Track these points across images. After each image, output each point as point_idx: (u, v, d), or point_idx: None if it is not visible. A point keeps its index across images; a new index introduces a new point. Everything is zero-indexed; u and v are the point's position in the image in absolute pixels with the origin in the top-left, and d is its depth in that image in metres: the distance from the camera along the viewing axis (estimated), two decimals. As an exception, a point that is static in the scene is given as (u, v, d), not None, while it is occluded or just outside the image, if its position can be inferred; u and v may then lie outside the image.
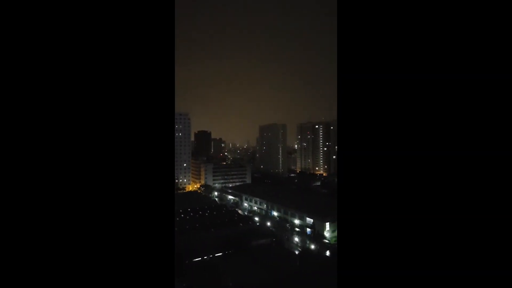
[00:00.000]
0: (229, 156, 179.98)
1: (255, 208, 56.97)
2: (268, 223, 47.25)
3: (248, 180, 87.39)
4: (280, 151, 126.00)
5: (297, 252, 35.40)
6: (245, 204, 60.05)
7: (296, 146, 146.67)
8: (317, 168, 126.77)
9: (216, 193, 71.91)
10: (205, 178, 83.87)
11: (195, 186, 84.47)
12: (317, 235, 41.41)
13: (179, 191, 77.00)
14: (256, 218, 49.93)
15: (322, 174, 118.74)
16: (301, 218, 45.75)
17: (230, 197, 66.16)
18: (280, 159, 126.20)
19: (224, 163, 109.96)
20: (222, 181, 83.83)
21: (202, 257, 29.52)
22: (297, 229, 45.08)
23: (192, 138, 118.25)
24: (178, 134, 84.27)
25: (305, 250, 37.45)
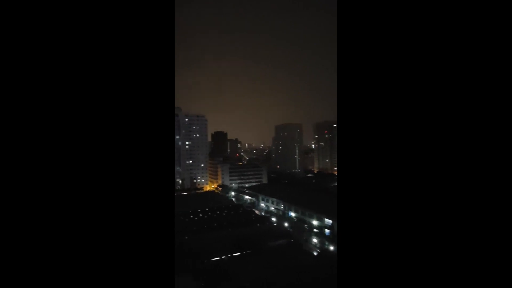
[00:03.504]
0: (245, 156, 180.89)
1: (272, 208, 56.63)
2: (286, 224, 46.76)
3: (265, 180, 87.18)
4: (297, 150, 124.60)
5: (315, 253, 34.69)
6: (262, 204, 59.88)
7: (313, 145, 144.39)
8: (335, 168, 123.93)
9: (233, 193, 72.39)
10: (222, 178, 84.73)
11: (213, 186, 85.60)
12: (336, 236, 40.36)
13: (197, 191, 78.45)
14: (273, 219, 49.59)
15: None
16: (319, 219, 44.82)
17: (246, 197, 66.31)
18: (297, 159, 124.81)
19: (240, 163, 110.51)
20: (238, 181, 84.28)
21: (220, 257, 29.72)
22: (315, 230, 44.21)
23: (209, 139, 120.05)
24: (196, 135, 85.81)
25: (323, 251, 36.60)
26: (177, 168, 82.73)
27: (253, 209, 55.14)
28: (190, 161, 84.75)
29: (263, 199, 60.34)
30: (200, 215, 45.47)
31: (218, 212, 47.15)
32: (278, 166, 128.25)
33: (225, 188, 77.89)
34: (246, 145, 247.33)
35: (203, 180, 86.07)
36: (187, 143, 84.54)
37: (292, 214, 51.14)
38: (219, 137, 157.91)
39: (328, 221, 42.94)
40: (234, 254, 30.41)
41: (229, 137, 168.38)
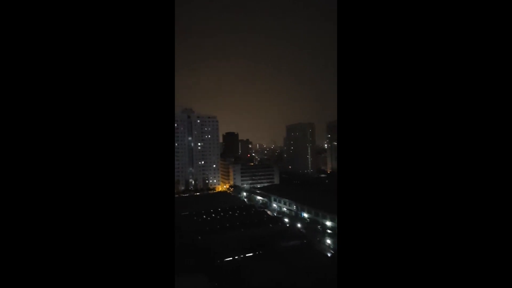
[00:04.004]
0: (256, 157, 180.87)
1: (284, 209, 56.25)
2: (298, 225, 46.29)
3: (276, 181, 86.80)
4: (309, 151, 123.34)
5: (329, 255, 34.10)
6: (274, 205, 59.61)
7: (326, 145, 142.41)
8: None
9: (244, 194, 72.52)
10: (234, 178, 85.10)
11: (225, 186, 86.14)
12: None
13: (209, 191, 79.21)
14: (286, 219, 49.22)
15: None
16: (333, 220, 44.04)
17: (258, 197, 66.24)
18: (309, 159, 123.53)
19: (252, 163, 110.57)
20: (250, 181, 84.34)
21: (233, 257, 29.77)
22: (329, 231, 43.48)
23: (221, 140, 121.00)
24: (207, 136, 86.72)
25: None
26: (189, 169, 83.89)
27: (265, 210, 54.96)
28: (202, 162, 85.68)
29: (275, 200, 60.05)
30: (213, 215, 45.82)
31: (230, 212, 47.33)
32: (289, 167, 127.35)
33: (237, 189, 78.17)
34: (257, 145, 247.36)
35: (215, 181, 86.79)
36: (199, 144, 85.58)
37: (305, 214, 50.55)
38: (230, 138, 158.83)
39: (342, 222, 42.06)
40: (247, 255, 30.38)
41: (240, 137, 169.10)
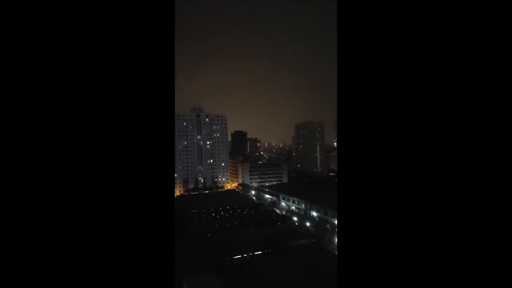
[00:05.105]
0: (264, 155, 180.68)
1: (293, 207, 56.03)
2: (307, 223, 46.02)
3: (285, 179, 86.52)
4: (318, 149, 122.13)
5: (339, 254, 33.78)
6: (283, 203, 59.47)
7: (335, 143, 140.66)
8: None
9: (253, 192, 72.67)
10: (242, 177, 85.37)
11: (233, 184, 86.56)
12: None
13: (218, 190, 79.83)
14: (295, 218, 49.04)
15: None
16: (343, 219, 43.52)
17: (267, 196, 66.23)
18: (318, 158, 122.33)
19: (260, 162, 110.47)
20: (258, 180, 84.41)
21: (242, 255, 29.93)
22: (338, 230, 43.04)
23: (229, 139, 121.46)
24: (216, 134, 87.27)
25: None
26: (199, 167, 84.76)
27: (274, 208, 54.90)
28: (211, 160, 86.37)
29: (283, 198, 59.88)
30: (222, 213, 46.15)
31: (239, 210, 47.55)
32: (298, 165, 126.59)
33: (245, 187, 78.41)
34: (266, 144, 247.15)
35: (224, 179, 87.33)
36: (208, 142, 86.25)
37: (314, 213, 50.19)
38: (239, 137, 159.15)
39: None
40: (256, 253, 30.47)
41: (248, 136, 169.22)
